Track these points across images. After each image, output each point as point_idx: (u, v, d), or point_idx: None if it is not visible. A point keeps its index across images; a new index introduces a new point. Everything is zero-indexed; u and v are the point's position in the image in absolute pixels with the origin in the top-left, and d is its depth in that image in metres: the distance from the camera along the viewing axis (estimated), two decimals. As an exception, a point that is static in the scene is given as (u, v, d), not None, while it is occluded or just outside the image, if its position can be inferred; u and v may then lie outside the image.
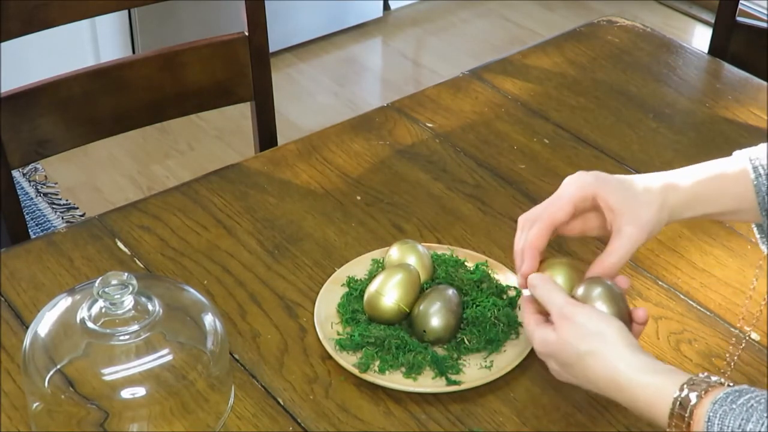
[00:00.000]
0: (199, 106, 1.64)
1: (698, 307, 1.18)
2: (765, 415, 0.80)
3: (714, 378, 0.86)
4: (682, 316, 1.17)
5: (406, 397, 1.05)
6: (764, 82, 1.60)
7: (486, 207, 1.15)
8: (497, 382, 1.07)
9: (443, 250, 1.21)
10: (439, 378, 1.06)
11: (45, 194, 2.67)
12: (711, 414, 0.82)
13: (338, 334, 1.11)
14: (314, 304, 1.15)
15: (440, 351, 1.09)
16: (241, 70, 1.61)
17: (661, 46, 1.71)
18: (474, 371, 1.07)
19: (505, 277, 1.16)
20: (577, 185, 1.02)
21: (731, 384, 0.85)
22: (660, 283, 1.21)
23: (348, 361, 1.07)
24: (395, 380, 1.06)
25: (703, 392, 0.84)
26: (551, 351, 0.94)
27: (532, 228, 1.02)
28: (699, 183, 1.02)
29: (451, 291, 1.11)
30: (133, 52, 2.96)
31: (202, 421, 1.00)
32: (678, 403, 0.85)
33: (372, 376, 1.06)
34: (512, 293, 1.15)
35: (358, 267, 1.19)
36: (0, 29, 1.40)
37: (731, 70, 1.65)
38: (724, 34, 1.78)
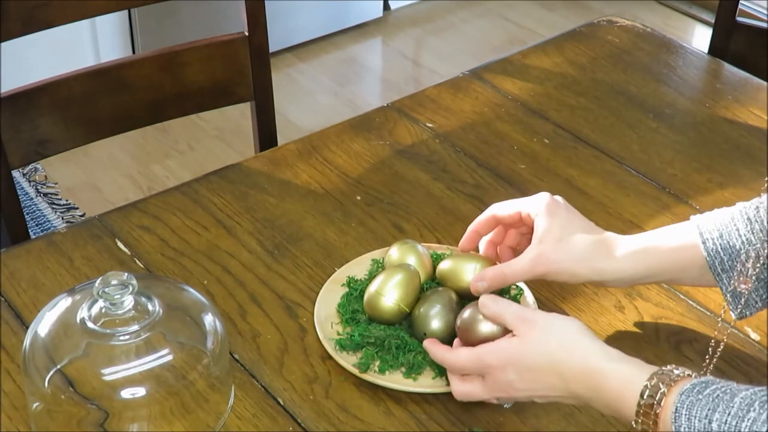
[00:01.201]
0: (199, 106, 1.64)
1: (698, 307, 1.18)
2: (731, 405, 0.81)
3: (679, 370, 0.87)
4: (682, 316, 1.17)
5: (406, 397, 1.05)
6: (764, 82, 1.60)
7: (486, 207, 1.15)
8: (497, 382, 1.07)
9: (443, 250, 1.21)
10: (439, 378, 1.06)
11: (45, 194, 2.67)
12: (678, 405, 0.84)
13: (338, 334, 1.11)
14: (314, 304, 1.15)
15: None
16: (241, 70, 1.61)
17: (661, 46, 1.71)
18: (474, 371, 1.07)
19: (505, 277, 1.17)
20: (533, 198, 1.09)
21: (697, 376, 0.87)
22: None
23: (348, 361, 1.07)
24: (395, 380, 1.06)
25: (672, 382, 0.86)
26: (511, 358, 0.95)
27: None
28: (637, 253, 1.04)
29: (450, 292, 1.10)
30: (133, 52, 2.96)
31: (202, 421, 1.00)
32: (647, 391, 0.86)
33: (372, 376, 1.06)
34: (514, 292, 1.15)
35: (358, 267, 1.19)
36: (0, 29, 1.40)
37: (731, 70, 1.65)
38: (724, 34, 1.78)
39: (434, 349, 1.01)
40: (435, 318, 1.08)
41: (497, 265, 1.07)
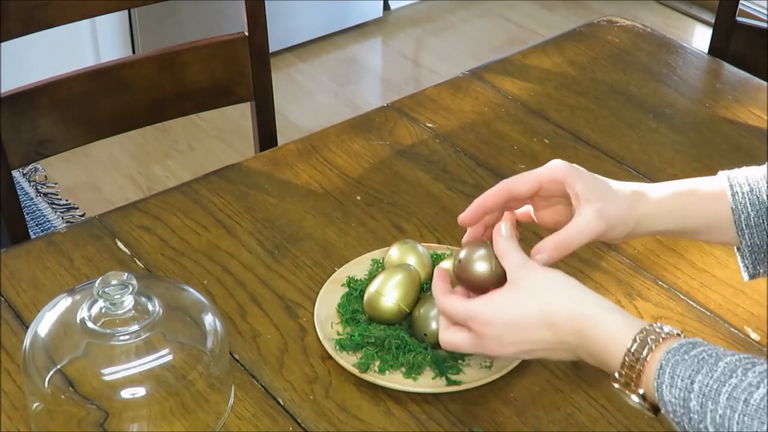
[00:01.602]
0: (199, 106, 1.64)
1: (698, 307, 1.18)
2: (714, 368, 0.82)
3: (668, 328, 0.87)
4: (682, 316, 1.17)
5: (406, 397, 1.05)
6: (764, 82, 1.60)
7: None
8: (497, 382, 1.07)
9: (443, 250, 1.21)
10: (439, 378, 1.06)
11: (45, 194, 2.67)
12: (663, 362, 0.84)
13: (338, 334, 1.11)
14: (314, 304, 1.15)
15: (441, 351, 1.09)
16: (241, 70, 1.61)
17: (661, 46, 1.71)
18: (474, 371, 1.07)
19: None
20: (549, 167, 1.02)
21: (685, 336, 0.87)
22: (660, 283, 1.21)
23: (348, 361, 1.07)
24: (395, 380, 1.06)
25: (660, 339, 0.86)
26: (501, 308, 0.93)
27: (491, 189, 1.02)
28: (672, 196, 1.02)
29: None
30: (133, 52, 2.96)
31: (202, 421, 1.00)
32: (635, 345, 0.86)
33: (372, 376, 1.06)
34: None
35: (358, 267, 1.19)
36: (0, 29, 1.40)
37: (731, 70, 1.65)
38: (724, 34, 1.78)
39: (437, 284, 0.99)
40: (435, 319, 1.08)
41: (556, 233, 1.00)
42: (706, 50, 1.79)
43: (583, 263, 1.24)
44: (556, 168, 1.02)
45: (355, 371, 1.06)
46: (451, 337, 0.97)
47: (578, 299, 0.92)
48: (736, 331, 1.15)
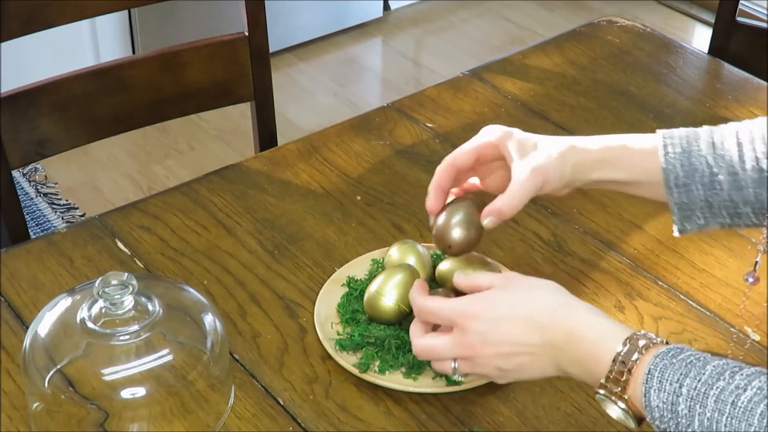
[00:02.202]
0: (199, 106, 1.64)
1: (698, 307, 1.18)
2: (702, 371, 0.82)
3: (654, 335, 0.88)
4: (682, 316, 1.17)
5: (406, 397, 1.05)
6: (764, 82, 1.60)
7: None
8: (497, 382, 1.07)
9: (443, 250, 1.21)
10: (439, 378, 1.06)
11: (45, 194, 2.67)
12: (652, 367, 0.84)
13: (338, 334, 1.11)
14: (314, 304, 1.15)
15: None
16: (241, 70, 1.61)
17: (661, 46, 1.71)
18: (474, 371, 1.07)
19: (505, 277, 1.16)
20: (483, 134, 1.07)
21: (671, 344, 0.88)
22: (660, 283, 1.21)
23: (348, 361, 1.07)
24: (395, 380, 1.06)
25: (650, 344, 0.86)
26: (487, 306, 0.93)
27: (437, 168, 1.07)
28: (604, 148, 1.06)
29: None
30: (133, 52, 2.96)
31: (202, 421, 1.00)
32: (627, 345, 0.86)
33: (372, 376, 1.06)
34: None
35: (358, 267, 1.19)
36: (0, 29, 1.40)
37: (731, 70, 1.65)
38: (724, 34, 1.78)
39: (415, 290, 1.00)
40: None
41: (497, 198, 1.03)
42: (706, 50, 1.79)
43: (583, 263, 1.24)
44: (490, 133, 1.07)
45: (355, 371, 1.06)
46: (428, 342, 0.96)
47: (568, 303, 0.93)
48: (736, 331, 1.15)
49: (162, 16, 2.94)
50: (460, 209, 1.06)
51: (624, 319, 1.16)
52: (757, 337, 1.14)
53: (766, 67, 1.70)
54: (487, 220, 1.03)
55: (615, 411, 0.87)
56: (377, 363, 1.07)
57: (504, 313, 0.92)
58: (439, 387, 1.05)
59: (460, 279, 0.99)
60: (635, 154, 1.05)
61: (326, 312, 1.13)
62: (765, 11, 3.35)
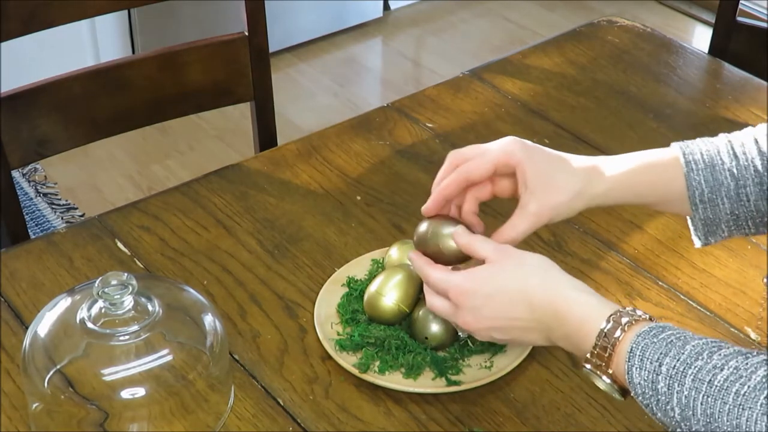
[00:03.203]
0: (199, 106, 1.64)
1: (698, 307, 1.18)
2: (682, 351, 0.83)
3: (640, 312, 0.89)
4: (682, 316, 1.17)
5: (406, 397, 1.05)
6: (764, 82, 1.60)
7: (486, 207, 1.15)
8: (497, 382, 1.07)
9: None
10: (439, 378, 1.06)
11: (45, 194, 2.67)
12: (634, 345, 0.85)
13: (338, 334, 1.11)
14: (314, 304, 1.15)
15: (441, 352, 1.09)
16: (241, 70, 1.61)
17: (661, 46, 1.71)
18: (474, 371, 1.07)
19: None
20: (504, 151, 1.02)
21: (656, 320, 0.89)
22: (660, 283, 1.21)
23: (348, 361, 1.07)
24: (395, 380, 1.06)
25: (633, 321, 0.87)
26: (482, 282, 0.94)
27: (448, 177, 1.03)
28: (627, 173, 1.04)
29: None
30: (133, 52, 2.96)
31: (202, 421, 1.00)
32: (610, 322, 0.88)
33: (372, 377, 1.06)
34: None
35: (358, 267, 1.19)
36: (0, 29, 1.40)
37: (731, 70, 1.65)
38: (724, 34, 1.78)
39: (418, 258, 1.00)
40: (435, 321, 1.08)
41: (499, 230, 1.02)
42: (706, 50, 1.79)
43: (583, 263, 1.24)
44: (510, 152, 1.02)
45: (355, 371, 1.06)
46: (435, 302, 0.98)
47: (557, 280, 0.94)
48: (736, 331, 1.15)
49: (162, 16, 2.94)
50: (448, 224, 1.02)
51: (624, 319, 1.16)
52: (757, 337, 1.14)
53: (766, 67, 1.70)
54: None
55: (601, 383, 0.89)
56: (377, 363, 1.07)
57: (496, 288, 0.94)
58: (439, 387, 1.05)
59: (461, 238, 0.99)
60: (656, 175, 1.04)
61: (326, 312, 1.13)
62: (765, 11, 3.35)
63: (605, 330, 0.88)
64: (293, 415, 1.03)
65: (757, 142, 1.03)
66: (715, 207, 1.03)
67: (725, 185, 1.02)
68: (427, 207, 1.04)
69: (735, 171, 1.02)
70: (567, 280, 0.94)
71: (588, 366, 0.89)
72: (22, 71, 2.27)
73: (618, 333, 0.87)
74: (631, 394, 0.87)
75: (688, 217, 1.05)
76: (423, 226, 1.02)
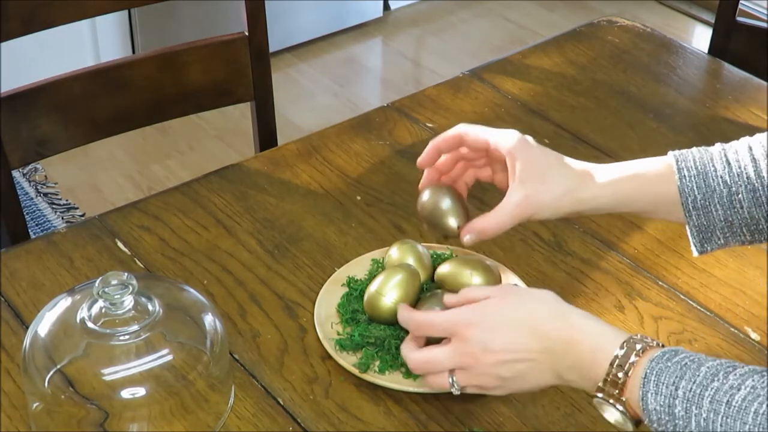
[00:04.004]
0: (199, 106, 1.64)
1: (698, 307, 1.18)
2: (697, 373, 0.83)
3: (649, 339, 0.88)
4: (682, 316, 1.17)
5: (406, 397, 1.05)
6: (764, 82, 1.60)
7: (486, 207, 1.15)
8: (497, 382, 1.06)
9: (443, 250, 1.21)
10: (439, 378, 1.06)
11: (45, 194, 2.67)
12: (648, 371, 0.85)
13: (338, 334, 1.11)
14: (314, 304, 1.15)
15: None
16: (241, 70, 1.61)
17: (661, 46, 1.71)
18: (474, 371, 1.07)
19: (506, 278, 1.16)
20: (501, 135, 1.05)
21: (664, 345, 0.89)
22: (660, 283, 1.21)
23: (348, 361, 1.07)
24: (395, 380, 1.06)
25: (648, 347, 0.87)
26: (487, 313, 0.93)
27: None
28: (618, 180, 1.04)
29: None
30: (133, 52, 2.96)
31: (202, 421, 1.00)
32: (624, 348, 0.87)
33: (372, 376, 1.06)
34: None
35: (358, 267, 1.19)
36: (0, 29, 1.40)
37: (731, 70, 1.65)
38: (724, 34, 1.78)
39: (404, 309, 1.00)
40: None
41: (483, 215, 1.03)
42: (706, 50, 1.79)
43: (584, 263, 1.24)
44: (506, 136, 1.04)
45: (356, 371, 1.06)
46: (425, 354, 0.96)
47: (567, 309, 0.94)
48: (736, 331, 1.15)
49: (162, 16, 2.94)
50: (445, 194, 1.06)
51: (624, 319, 1.16)
52: (757, 337, 1.14)
53: (766, 67, 1.70)
54: (467, 237, 1.03)
55: (612, 414, 0.88)
56: (377, 363, 1.07)
57: (503, 320, 0.93)
58: (439, 387, 1.05)
59: (453, 298, 0.98)
60: (650, 183, 1.04)
61: (326, 312, 1.13)
62: (765, 11, 3.35)
63: (619, 356, 0.87)
64: (293, 415, 1.03)
65: (750, 149, 1.03)
66: (709, 214, 1.03)
67: (718, 192, 1.02)
68: (421, 159, 1.07)
69: (727, 178, 1.02)
70: (575, 310, 0.93)
71: (600, 395, 0.88)
72: (22, 71, 2.27)
73: (633, 358, 0.86)
74: (645, 422, 0.86)
75: (686, 226, 1.05)
76: (425, 196, 1.07)
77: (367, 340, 1.08)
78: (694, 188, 1.03)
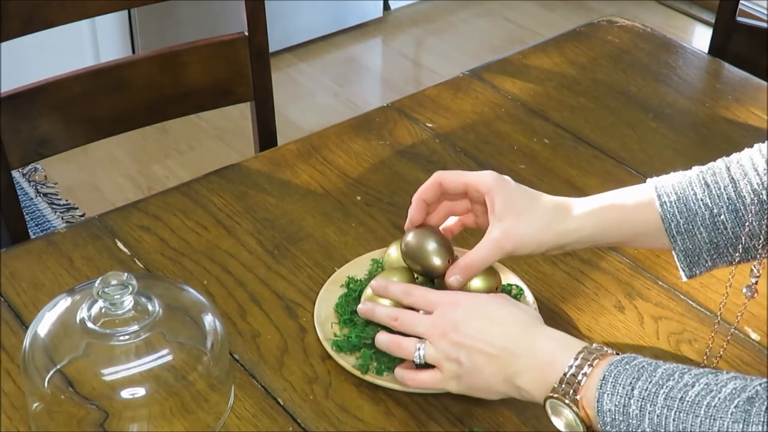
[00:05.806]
0: (199, 106, 1.64)
1: (698, 307, 1.18)
2: (653, 374, 0.85)
3: (608, 348, 0.91)
4: (682, 316, 1.17)
5: (406, 397, 1.05)
6: (764, 82, 1.60)
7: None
8: (497, 382, 1.06)
9: (443, 250, 1.21)
10: (439, 378, 1.06)
11: (45, 194, 2.67)
12: (606, 373, 0.87)
13: (335, 335, 1.10)
14: (314, 304, 1.15)
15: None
16: (241, 70, 1.61)
17: (661, 46, 1.71)
18: (474, 371, 1.07)
19: (506, 278, 1.16)
20: (478, 176, 1.07)
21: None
22: (660, 283, 1.21)
23: (348, 361, 1.07)
24: (395, 381, 1.06)
25: (607, 354, 0.89)
26: (464, 300, 0.99)
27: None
28: (597, 211, 1.06)
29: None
30: (133, 52, 2.96)
31: (202, 421, 1.00)
32: (581, 355, 0.89)
33: (372, 377, 1.06)
34: (514, 291, 1.15)
35: (357, 267, 1.19)
36: (0, 29, 1.40)
37: (731, 70, 1.65)
38: (724, 34, 1.78)
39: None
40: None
41: (465, 255, 1.06)
42: (706, 50, 1.79)
43: (583, 263, 1.24)
44: (482, 179, 1.06)
45: (357, 372, 1.06)
46: (402, 312, 1.01)
47: (542, 327, 0.97)
48: (736, 331, 1.14)
49: (162, 16, 2.94)
50: (430, 235, 1.09)
51: (624, 319, 1.16)
52: (757, 337, 1.14)
53: (766, 67, 1.70)
54: (452, 278, 1.06)
55: (563, 418, 0.89)
56: (374, 364, 1.07)
57: (483, 313, 0.97)
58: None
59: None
60: (630, 212, 1.06)
61: (326, 312, 1.13)
62: (765, 11, 3.35)
63: (579, 358, 0.89)
64: (293, 415, 1.03)
65: (728, 169, 1.04)
66: (693, 237, 1.04)
67: (700, 215, 1.03)
68: (411, 216, 1.09)
69: (708, 200, 1.03)
70: (538, 315, 0.99)
71: (554, 395, 0.89)
72: (22, 71, 2.27)
73: (593, 360, 0.88)
74: (596, 426, 0.87)
75: (672, 251, 1.06)
76: (410, 237, 1.09)
77: (364, 342, 1.08)
78: (676, 213, 1.04)
